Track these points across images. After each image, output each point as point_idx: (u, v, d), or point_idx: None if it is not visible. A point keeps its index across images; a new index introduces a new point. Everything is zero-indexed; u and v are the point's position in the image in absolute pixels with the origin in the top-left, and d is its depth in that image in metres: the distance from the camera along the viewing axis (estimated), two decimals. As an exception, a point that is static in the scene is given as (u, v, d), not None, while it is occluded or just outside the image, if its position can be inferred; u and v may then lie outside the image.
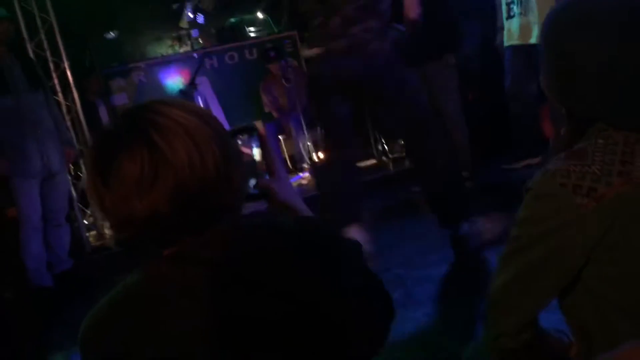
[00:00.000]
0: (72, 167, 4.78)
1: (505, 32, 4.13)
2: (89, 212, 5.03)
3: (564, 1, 1.03)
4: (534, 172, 1.03)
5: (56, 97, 4.59)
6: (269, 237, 0.94)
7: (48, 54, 4.76)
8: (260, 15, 6.87)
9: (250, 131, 1.15)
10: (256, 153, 1.14)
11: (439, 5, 4.15)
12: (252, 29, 6.80)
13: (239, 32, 6.67)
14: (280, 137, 6.33)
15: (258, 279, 0.88)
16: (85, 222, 4.90)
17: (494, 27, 4.32)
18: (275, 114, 6.41)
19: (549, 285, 1.02)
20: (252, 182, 1.10)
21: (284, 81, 6.14)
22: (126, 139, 0.87)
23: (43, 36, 4.73)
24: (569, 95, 1.02)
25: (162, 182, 0.85)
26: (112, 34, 6.37)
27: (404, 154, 5.57)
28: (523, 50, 3.97)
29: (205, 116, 0.93)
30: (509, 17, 4.02)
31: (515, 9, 3.95)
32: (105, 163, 0.86)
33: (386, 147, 5.85)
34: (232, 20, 6.68)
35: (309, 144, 6.02)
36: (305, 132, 5.93)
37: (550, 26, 1.03)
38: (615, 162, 0.95)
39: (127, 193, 0.85)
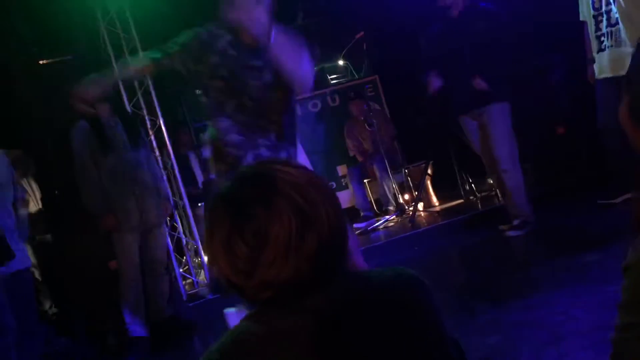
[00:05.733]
0: (168, 219, 5.00)
1: (596, 66, 4.01)
2: (184, 260, 5.23)
3: None
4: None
5: (153, 153, 4.85)
6: (368, 288, 0.95)
7: (145, 112, 5.06)
8: (340, 62, 7.02)
9: None
10: None
11: (484, 58, 4.09)
12: (333, 76, 6.95)
13: (321, 80, 6.84)
14: (365, 180, 6.36)
15: (356, 324, 0.89)
16: (181, 270, 5.09)
17: (583, 60, 4.21)
18: (359, 158, 6.46)
19: None
20: None
21: (366, 125, 6.22)
22: (268, 203, 0.87)
23: (140, 96, 5.05)
24: None
25: (308, 244, 0.87)
26: (202, 90, 6.68)
27: (492, 192, 5.44)
28: (615, 82, 3.85)
29: (305, 168, 0.96)
30: (600, 50, 3.91)
31: (607, 41, 3.85)
32: (248, 227, 0.87)
33: (474, 186, 5.73)
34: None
35: (394, 186, 6.01)
36: (390, 175, 5.93)
37: None
38: None
39: (274, 257, 0.86)
